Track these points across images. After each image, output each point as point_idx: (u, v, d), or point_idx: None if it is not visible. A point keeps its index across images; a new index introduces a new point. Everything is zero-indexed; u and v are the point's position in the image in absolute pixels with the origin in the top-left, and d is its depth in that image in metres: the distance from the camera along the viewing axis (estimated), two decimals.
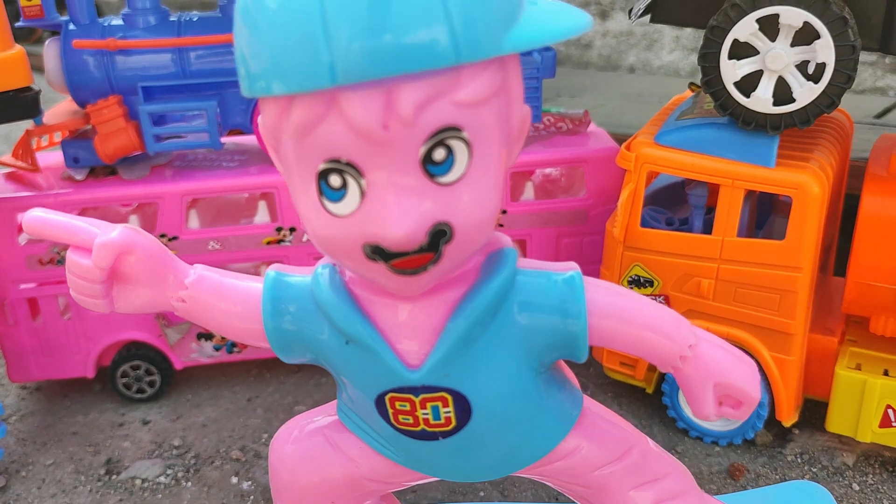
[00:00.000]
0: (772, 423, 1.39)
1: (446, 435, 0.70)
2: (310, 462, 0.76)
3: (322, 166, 0.60)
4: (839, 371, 1.31)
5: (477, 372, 0.68)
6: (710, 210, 1.35)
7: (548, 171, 1.64)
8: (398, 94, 0.56)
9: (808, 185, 1.21)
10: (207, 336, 1.56)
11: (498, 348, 0.69)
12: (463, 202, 0.61)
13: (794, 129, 1.26)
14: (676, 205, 1.47)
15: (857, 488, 1.31)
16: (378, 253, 0.61)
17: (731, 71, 1.21)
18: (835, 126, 1.38)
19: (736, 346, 1.30)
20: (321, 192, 0.61)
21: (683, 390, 0.73)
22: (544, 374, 0.73)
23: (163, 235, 1.48)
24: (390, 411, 0.70)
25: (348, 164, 0.59)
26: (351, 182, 0.60)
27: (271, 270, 0.73)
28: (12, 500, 1.36)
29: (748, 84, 1.22)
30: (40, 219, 0.70)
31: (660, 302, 1.31)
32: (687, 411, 1.39)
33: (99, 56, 1.43)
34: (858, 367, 1.31)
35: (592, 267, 1.45)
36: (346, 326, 0.68)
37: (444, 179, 0.60)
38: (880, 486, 1.31)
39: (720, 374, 0.72)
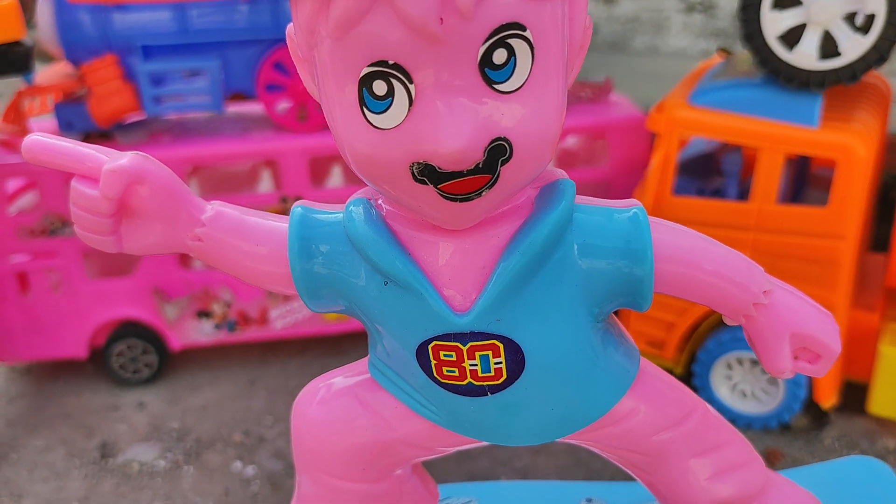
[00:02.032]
0: (808, 407, 1.31)
1: (495, 390, 0.62)
2: (338, 425, 0.67)
3: (365, 70, 0.52)
4: (883, 348, 1.24)
5: (532, 317, 0.60)
6: (744, 181, 1.28)
7: (567, 142, 1.56)
8: None
9: (854, 146, 1.14)
10: (207, 314, 1.47)
11: (555, 292, 0.60)
12: (524, 115, 0.53)
13: (835, 89, 1.18)
14: (707, 175, 1.39)
15: None
16: (427, 174, 0.52)
17: (774, 23, 1.14)
18: (874, 91, 1.30)
19: None
20: (363, 102, 0.53)
21: (755, 343, 0.65)
22: (602, 325, 0.65)
23: None
24: (433, 363, 0.61)
25: (396, 66, 0.51)
26: (398, 88, 0.52)
27: (298, 206, 0.64)
28: (2, 484, 1.27)
29: (791, 38, 1.14)
30: (41, 143, 0.61)
31: None
32: (719, 392, 1.31)
33: (95, 12, 1.34)
34: None
35: None
36: (385, 264, 0.59)
37: (504, 87, 0.52)
38: None
39: (797, 324, 0.64)
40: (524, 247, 0.58)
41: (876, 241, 1.48)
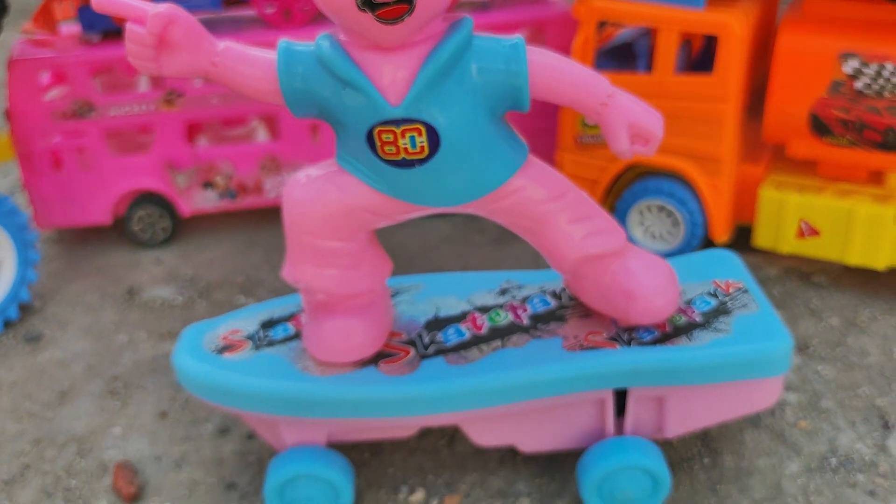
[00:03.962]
0: (705, 244, 1.61)
1: (421, 162, 0.91)
2: (317, 198, 0.96)
3: None
4: (762, 192, 1.53)
5: (443, 109, 0.89)
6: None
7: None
8: None
9: (731, 24, 1.41)
10: (211, 185, 1.75)
11: (459, 92, 0.89)
12: None
13: None
14: (627, 60, 1.66)
15: (777, 294, 1.53)
16: (367, 4, 0.80)
17: None
18: None
19: (676, 175, 1.52)
20: None
21: (605, 132, 0.93)
22: (497, 122, 0.94)
23: (171, 91, 1.67)
24: (378, 143, 0.90)
25: None
26: None
27: (282, 41, 0.92)
28: (50, 317, 1.57)
29: None
30: None
31: None
32: (634, 234, 1.60)
33: None
34: (779, 189, 1.52)
35: (551, 120, 1.65)
36: (343, 72, 0.88)
37: None
38: (795, 291, 1.53)
39: (631, 117, 0.92)
40: (435, 59, 0.87)
41: None
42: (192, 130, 1.76)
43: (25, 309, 1.58)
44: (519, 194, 0.98)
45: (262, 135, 1.79)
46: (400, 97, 0.88)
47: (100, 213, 1.76)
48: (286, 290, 1.23)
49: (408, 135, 0.89)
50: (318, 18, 1.70)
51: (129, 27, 0.89)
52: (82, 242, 1.82)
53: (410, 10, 0.82)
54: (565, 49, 1.70)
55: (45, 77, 1.70)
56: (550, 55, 0.93)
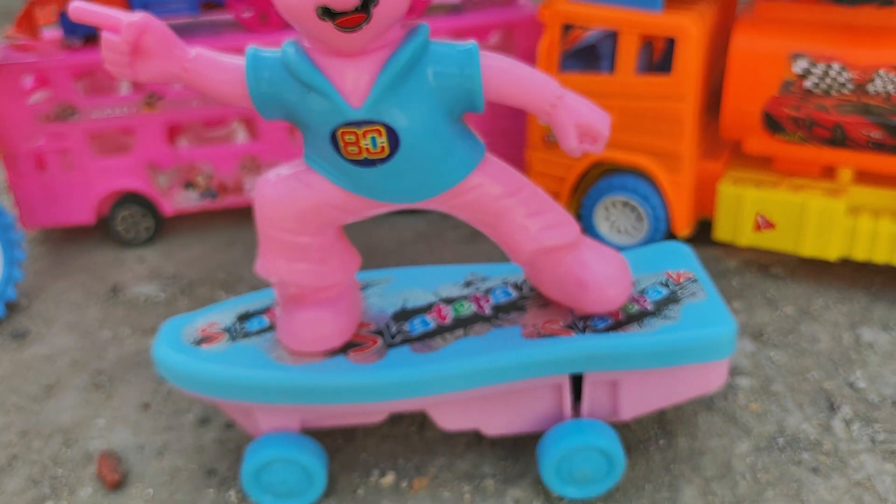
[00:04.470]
0: (668, 237, 1.67)
1: (382, 161, 0.97)
2: (287, 196, 1.02)
3: None
4: (721, 187, 1.59)
5: (402, 110, 0.95)
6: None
7: (490, 40, 1.89)
8: None
9: (688, 26, 1.48)
10: (192, 185, 1.81)
11: (417, 95, 0.95)
12: None
13: None
14: (592, 61, 1.73)
15: (736, 285, 1.59)
16: (327, 13, 0.86)
17: None
18: None
19: (639, 171, 1.58)
20: None
21: (555, 132, 0.99)
22: (454, 122, 0.99)
23: (152, 94, 1.72)
24: (341, 144, 0.96)
25: None
26: None
27: (250, 48, 0.98)
28: (36, 314, 1.62)
29: None
30: (82, 8, 0.94)
31: None
32: (601, 229, 1.66)
33: None
34: (736, 184, 1.59)
35: (519, 122, 1.71)
36: (307, 77, 0.94)
37: None
38: (753, 282, 1.60)
39: (579, 116, 0.98)
40: (393, 64, 0.93)
41: None
42: (173, 132, 1.81)
43: (12, 307, 1.63)
44: (477, 191, 1.03)
45: (241, 136, 1.85)
46: (361, 100, 0.94)
47: (84, 212, 1.81)
48: (266, 286, 1.29)
49: (369, 135, 0.95)
50: None
51: (105, 36, 0.94)
52: (67, 242, 1.87)
53: (367, 18, 0.87)
54: (532, 50, 1.76)
55: (28, 81, 1.75)
56: (503, 59, 0.99)
